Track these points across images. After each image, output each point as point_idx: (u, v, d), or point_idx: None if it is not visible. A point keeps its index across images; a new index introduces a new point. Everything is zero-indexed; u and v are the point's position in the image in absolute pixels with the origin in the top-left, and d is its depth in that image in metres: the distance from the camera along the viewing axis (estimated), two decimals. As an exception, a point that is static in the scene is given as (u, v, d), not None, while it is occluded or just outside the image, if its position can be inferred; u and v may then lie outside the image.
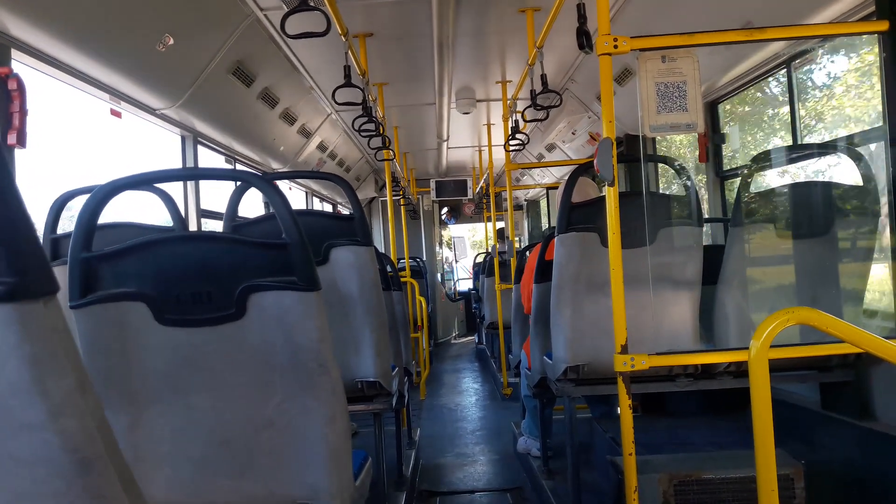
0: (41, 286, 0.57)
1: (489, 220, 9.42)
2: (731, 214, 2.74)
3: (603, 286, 2.23)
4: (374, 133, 4.04)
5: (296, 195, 6.89)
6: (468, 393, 6.28)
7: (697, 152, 4.00)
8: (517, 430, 3.81)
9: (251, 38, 3.46)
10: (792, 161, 2.92)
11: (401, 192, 7.32)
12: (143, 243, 1.34)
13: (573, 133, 5.95)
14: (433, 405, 5.73)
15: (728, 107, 4.07)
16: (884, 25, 1.87)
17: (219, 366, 1.38)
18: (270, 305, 1.33)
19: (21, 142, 2.14)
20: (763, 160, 2.88)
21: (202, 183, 3.85)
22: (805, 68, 3.21)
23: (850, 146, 2.48)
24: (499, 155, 6.44)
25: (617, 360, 1.86)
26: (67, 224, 2.16)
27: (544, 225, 10.16)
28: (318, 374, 1.37)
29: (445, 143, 7.21)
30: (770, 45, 3.03)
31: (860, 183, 2.37)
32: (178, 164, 3.80)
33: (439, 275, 10.69)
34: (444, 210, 10.80)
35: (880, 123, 2.46)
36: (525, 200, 11.13)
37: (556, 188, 6.24)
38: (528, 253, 3.70)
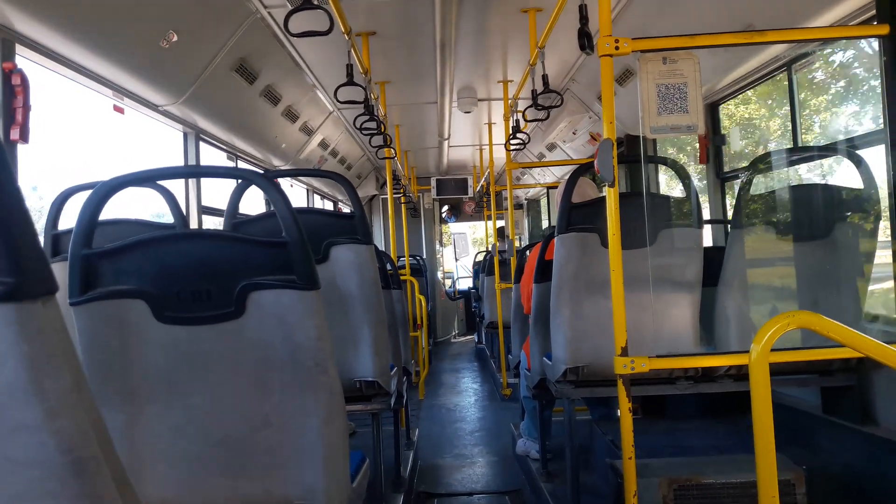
0: (40, 286, 0.57)
1: (489, 218, 9.41)
2: (732, 216, 2.73)
3: (603, 287, 2.22)
4: (375, 131, 4.04)
5: (297, 192, 6.89)
6: (467, 393, 6.26)
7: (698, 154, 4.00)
8: (516, 432, 3.79)
9: (254, 35, 3.45)
10: (792, 164, 2.92)
11: (401, 190, 7.31)
12: (143, 241, 1.34)
13: (574, 133, 5.94)
14: (432, 405, 5.71)
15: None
16: (884, 29, 1.87)
17: (217, 364, 1.38)
18: (269, 304, 1.33)
19: (24, 137, 2.14)
20: (763, 162, 2.87)
21: (204, 179, 3.85)
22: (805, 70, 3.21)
23: (850, 149, 2.48)
24: (499, 154, 6.43)
25: (617, 363, 1.86)
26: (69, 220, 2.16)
27: (544, 224, 10.14)
28: (316, 374, 1.37)
29: (446, 141, 7.19)
30: (771, 48, 3.03)
31: (861, 186, 2.37)
32: (179, 161, 3.80)
33: (440, 272, 10.68)
34: (445, 208, 10.79)
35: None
36: (525, 199, 11.11)
37: (556, 187, 6.23)
38: (528, 252, 3.68)
